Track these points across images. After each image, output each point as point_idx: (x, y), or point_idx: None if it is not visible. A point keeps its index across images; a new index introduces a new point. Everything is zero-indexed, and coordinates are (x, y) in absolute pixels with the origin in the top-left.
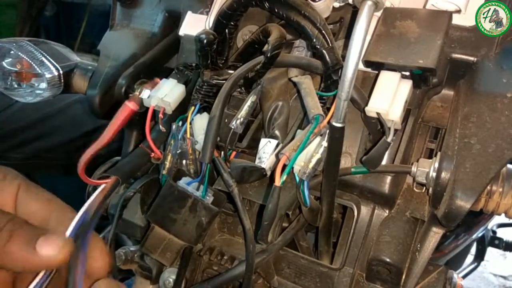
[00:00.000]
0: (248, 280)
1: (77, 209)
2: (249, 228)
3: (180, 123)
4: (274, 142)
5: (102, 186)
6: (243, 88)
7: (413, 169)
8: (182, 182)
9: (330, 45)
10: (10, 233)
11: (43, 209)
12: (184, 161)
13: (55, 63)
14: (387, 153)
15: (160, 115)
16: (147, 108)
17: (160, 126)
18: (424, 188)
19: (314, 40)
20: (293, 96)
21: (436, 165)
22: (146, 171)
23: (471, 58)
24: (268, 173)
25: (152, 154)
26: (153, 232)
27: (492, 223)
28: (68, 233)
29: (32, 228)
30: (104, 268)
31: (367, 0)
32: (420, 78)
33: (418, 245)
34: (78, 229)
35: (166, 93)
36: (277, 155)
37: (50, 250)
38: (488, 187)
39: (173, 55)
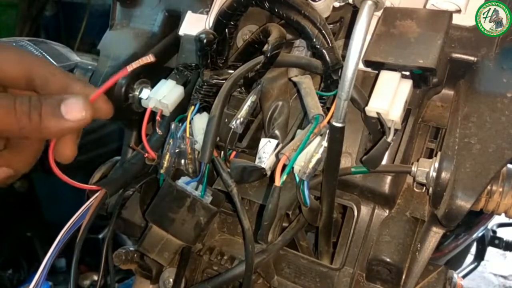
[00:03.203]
0: (248, 280)
1: (77, 209)
2: (248, 228)
3: (179, 122)
4: (274, 142)
5: (90, 201)
6: (243, 88)
7: (413, 169)
8: (181, 182)
9: (330, 44)
10: (38, 112)
11: (60, 74)
12: (182, 161)
13: (55, 63)
14: (387, 153)
15: (158, 118)
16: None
17: (157, 129)
18: (424, 188)
19: (314, 39)
20: (293, 96)
21: (436, 165)
22: (145, 170)
23: (471, 58)
24: (268, 173)
25: (146, 155)
26: (150, 232)
27: (492, 223)
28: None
29: (51, 99)
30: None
31: (367, 0)
32: (420, 78)
33: (418, 245)
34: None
35: (164, 94)
36: (277, 155)
37: (77, 114)
38: (488, 187)
39: (173, 55)
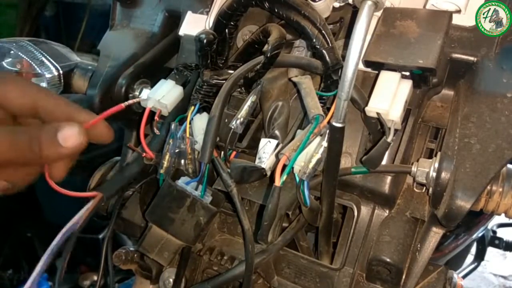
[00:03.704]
0: (248, 280)
1: (76, 209)
2: (248, 228)
3: (179, 123)
4: (274, 142)
5: (89, 204)
6: (243, 88)
7: (413, 169)
8: (181, 182)
9: (330, 45)
10: (39, 142)
11: (64, 105)
12: (182, 161)
13: (55, 63)
14: (387, 153)
15: (156, 118)
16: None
17: (155, 129)
18: (424, 188)
19: (314, 40)
20: (293, 96)
21: (436, 165)
22: (146, 171)
23: (471, 58)
24: (268, 173)
25: (144, 154)
26: (150, 232)
27: (492, 223)
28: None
29: (48, 127)
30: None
31: (367, 0)
32: (420, 78)
33: (418, 245)
34: (63, 244)
35: (163, 94)
36: (277, 155)
37: (73, 141)
38: (488, 187)
39: (173, 55)
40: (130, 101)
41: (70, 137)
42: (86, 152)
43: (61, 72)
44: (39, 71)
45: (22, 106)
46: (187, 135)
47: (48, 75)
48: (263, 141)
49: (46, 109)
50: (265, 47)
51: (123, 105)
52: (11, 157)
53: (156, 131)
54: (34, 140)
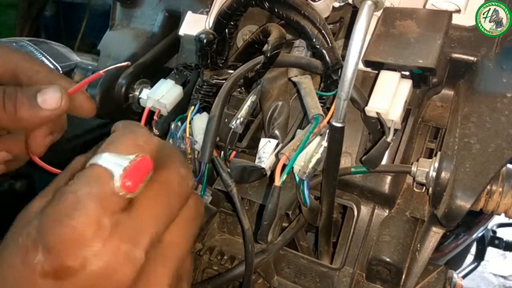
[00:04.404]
0: (248, 280)
1: None
2: (248, 228)
3: (179, 122)
4: (274, 142)
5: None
6: (243, 88)
7: (413, 169)
8: None
9: (330, 45)
10: (13, 103)
11: (46, 71)
12: None
13: (55, 63)
14: (387, 153)
15: (155, 117)
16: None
17: (154, 129)
18: (424, 188)
19: (314, 40)
20: (293, 96)
21: (436, 165)
22: None
23: (471, 58)
24: (268, 173)
25: None
26: None
27: (492, 223)
28: None
29: (27, 90)
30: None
31: (367, 0)
32: (420, 78)
33: (418, 245)
34: None
35: (162, 94)
36: (277, 155)
37: (53, 103)
38: (488, 187)
39: (173, 55)
40: (109, 68)
41: (51, 99)
42: (86, 151)
43: (61, 72)
44: None
45: (2, 71)
46: (187, 135)
47: None
48: (263, 141)
49: (27, 75)
50: (265, 47)
51: (101, 72)
52: None
53: (156, 131)
54: (9, 99)
